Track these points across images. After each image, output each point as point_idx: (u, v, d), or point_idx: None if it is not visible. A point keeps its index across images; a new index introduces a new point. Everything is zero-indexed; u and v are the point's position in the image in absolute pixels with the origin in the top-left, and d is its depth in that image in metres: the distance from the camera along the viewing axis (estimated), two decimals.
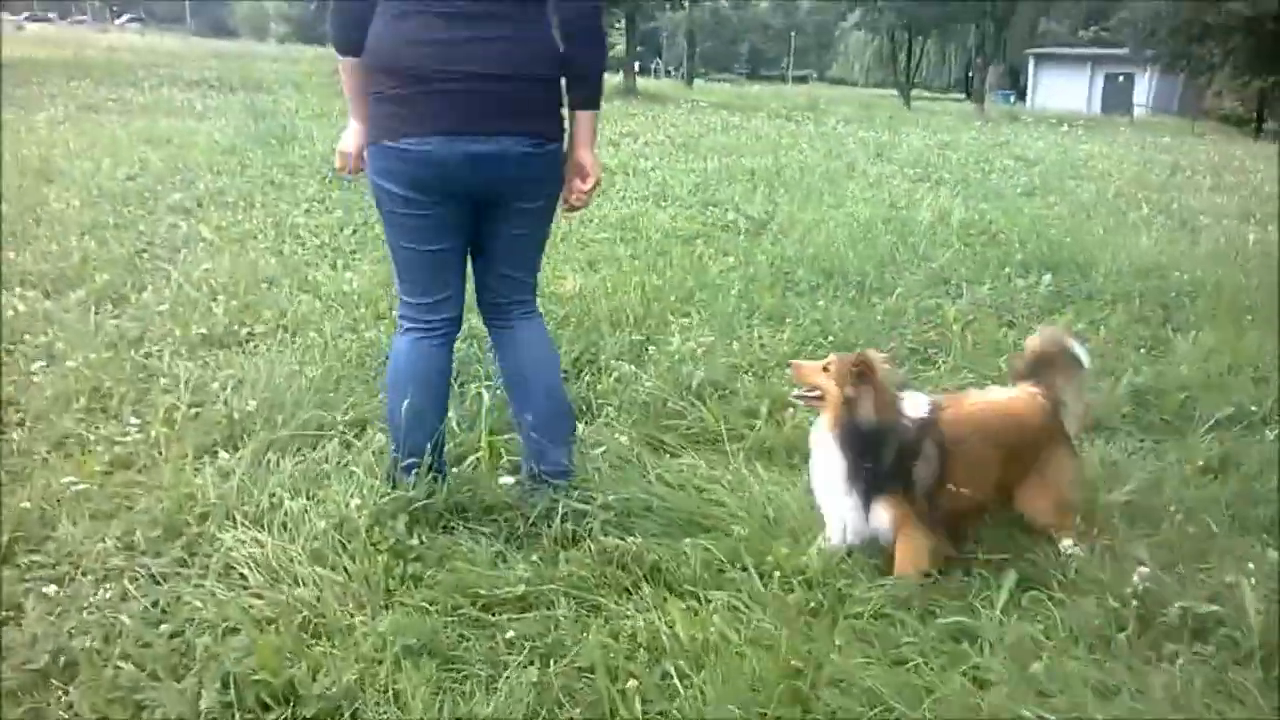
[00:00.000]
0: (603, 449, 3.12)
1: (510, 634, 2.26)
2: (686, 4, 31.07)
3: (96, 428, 3.20)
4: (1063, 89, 44.67)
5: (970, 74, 52.30)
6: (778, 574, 2.49)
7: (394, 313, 3.04)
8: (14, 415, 3.26)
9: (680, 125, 15.24)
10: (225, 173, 8.12)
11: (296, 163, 8.80)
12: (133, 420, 3.23)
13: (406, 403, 2.68)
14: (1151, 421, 3.64)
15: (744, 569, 2.52)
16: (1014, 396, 2.79)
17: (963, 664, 2.19)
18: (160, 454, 2.99)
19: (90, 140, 9.49)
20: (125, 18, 65.62)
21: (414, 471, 2.71)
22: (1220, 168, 13.60)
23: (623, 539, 2.61)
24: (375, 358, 3.77)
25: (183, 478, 2.80)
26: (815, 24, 70.55)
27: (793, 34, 70.80)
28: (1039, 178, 10.95)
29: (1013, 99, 46.85)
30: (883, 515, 2.56)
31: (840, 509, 2.60)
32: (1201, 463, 3.23)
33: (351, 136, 2.72)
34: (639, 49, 63.80)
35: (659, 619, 2.31)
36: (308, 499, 2.73)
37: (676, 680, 2.10)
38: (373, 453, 3.01)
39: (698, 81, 41.01)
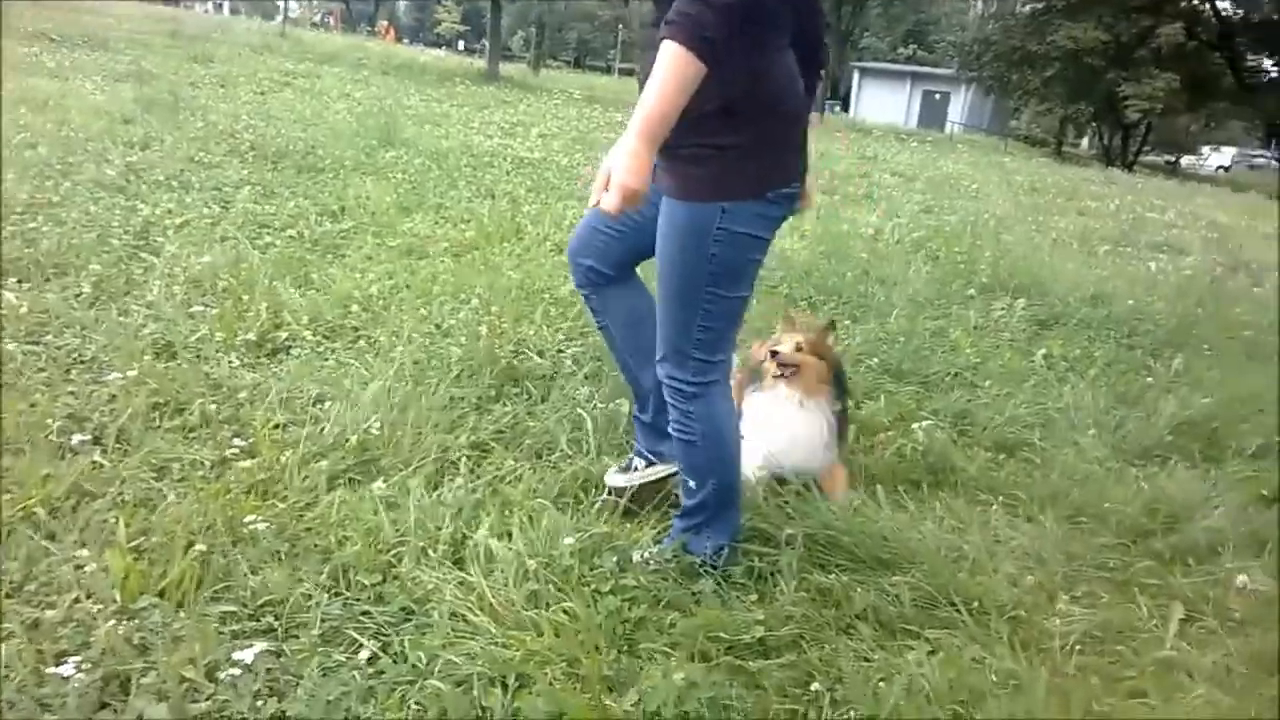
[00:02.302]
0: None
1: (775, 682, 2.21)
2: None
3: (195, 448, 2.91)
4: (883, 103, 46.98)
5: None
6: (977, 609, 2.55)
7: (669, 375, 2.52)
8: (88, 432, 2.91)
9: (563, 117, 15.10)
10: (134, 145, 7.47)
11: (201, 137, 8.20)
12: (236, 441, 2.95)
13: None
14: (1191, 451, 3.90)
15: (953, 605, 2.56)
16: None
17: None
18: (293, 480, 2.75)
19: None
20: None
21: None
22: (1069, 190, 14.66)
23: (824, 577, 2.62)
24: (449, 372, 3.58)
25: (354, 510, 2.58)
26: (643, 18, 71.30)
27: (620, 26, 71.32)
28: (926, 195, 11.50)
29: (837, 109, 48.84)
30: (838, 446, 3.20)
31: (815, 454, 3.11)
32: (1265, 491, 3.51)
33: (643, 167, 2.00)
34: (465, 28, 62.33)
35: (907, 663, 2.32)
36: (492, 534, 2.57)
37: None
38: (536, 479, 2.87)
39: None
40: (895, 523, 2.91)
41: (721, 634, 2.33)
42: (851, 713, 2.13)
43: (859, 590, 2.56)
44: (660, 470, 2.89)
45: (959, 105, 46.43)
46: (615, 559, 2.52)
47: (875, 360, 4.38)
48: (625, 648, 2.28)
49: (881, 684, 2.21)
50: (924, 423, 3.60)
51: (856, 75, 50.95)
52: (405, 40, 53.59)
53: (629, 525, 2.75)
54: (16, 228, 4.76)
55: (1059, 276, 6.79)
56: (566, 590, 2.39)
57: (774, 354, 3.11)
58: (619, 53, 71.28)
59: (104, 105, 9.15)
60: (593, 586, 2.43)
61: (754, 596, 2.51)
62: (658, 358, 2.54)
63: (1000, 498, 3.22)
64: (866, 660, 2.33)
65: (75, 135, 7.50)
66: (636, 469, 2.90)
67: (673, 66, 1.95)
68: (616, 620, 2.33)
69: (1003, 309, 5.69)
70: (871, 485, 3.17)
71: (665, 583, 2.51)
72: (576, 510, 2.79)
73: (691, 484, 2.60)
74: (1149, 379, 4.71)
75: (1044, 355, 4.90)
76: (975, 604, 2.57)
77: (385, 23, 59.38)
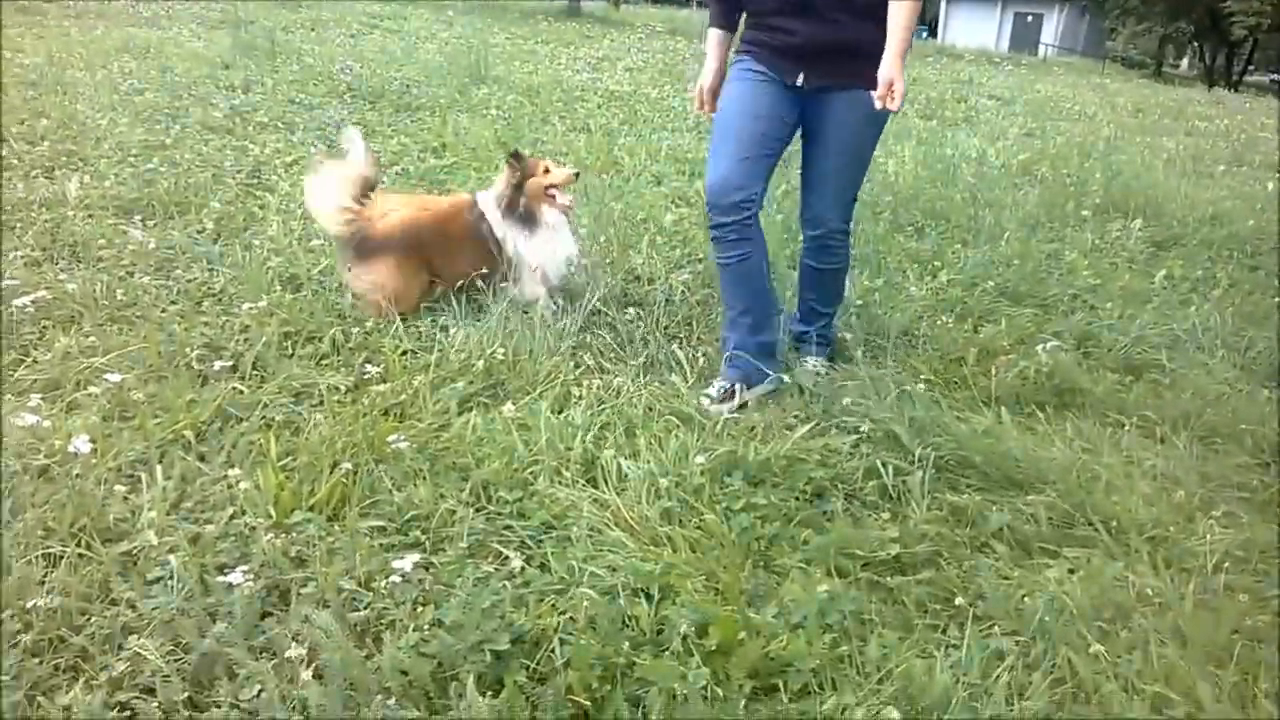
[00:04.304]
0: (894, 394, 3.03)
1: (915, 598, 2.21)
2: None
3: (329, 374, 2.99)
4: (972, 27, 45.28)
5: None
6: (1115, 529, 2.50)
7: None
8: (226, 359, 3.01)
9: (647, 50, 14.91)
10: (235, 89, 7.59)
11: (299, 80, 8.30)
12: (368, 367, 3.02)
13: None
14: None
15: (1090, 525, 2.52)
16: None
17: None
18: (427, 404, 2.81)
19: (61, 47, 8.74)
20: None
21: None
22: (1175, 111, 14.03)
23: (956, 496, 2.59)
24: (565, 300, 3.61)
25: (488, 431, 2.64)
26: None
27: None
28: (1027, 117, 11.11)
29: (925, 34, 47.30)
30: None
31: None
32: None
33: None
34: None
35: (1048, 580, 2.29)
36: (621, 453, 2.60)
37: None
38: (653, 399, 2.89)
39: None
40: (1024, 443, 2.86)
41: (856, 551, 2.33)
42: (996, 628, 2.11)
43: (994, 510, 2.53)
44: (761, 388, 3.14)
45: (1052, 27, 44.56)
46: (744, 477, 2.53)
47: (991, 283, 4.27)
48: (761, 563, 2.30)
49: (1025, 600, 2.19)
50: (1047, 344, 3.51)
51: (944, 0, 49.19)
52: None
53: (755, 444, 2.74)
54: (134, 169, 4.90)
55: (1174, 197, 6.51)
56: (699, 508, 2.41)
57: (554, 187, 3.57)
58: None
59: (202, 51, 9.30)
60: (724, 505, 2.45)
61: (886, 515, 2.50)
62: (833, 217, 3.21)
63: (1132, 419, 3.14)
64: (1005, 578, 2.31)
65: (179, 80, 7.66)
66: (735, 393, 3.08)
67: (914, 12, 2.84)
68: (750, 537, 2.35)
69: (1119, 230, 5.50)
70: (996, 407, 3.12)
71: (795, 501, 2.51)
72: (701, 430, 2.80)
73: (835, 306, 3.47)
74: (1277, 299, 4.52)
75: (1165, 276, 4.72)
76: (1113, 524, 2.53)
77: None
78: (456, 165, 5.84)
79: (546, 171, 3.56)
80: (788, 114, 3.05)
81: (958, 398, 3.25)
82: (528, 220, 3.53)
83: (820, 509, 2.51)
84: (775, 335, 3.22)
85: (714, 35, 3.24)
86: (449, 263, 3.55)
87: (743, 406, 3.05)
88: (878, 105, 2.77)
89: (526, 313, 3.40)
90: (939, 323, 3.82)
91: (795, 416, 2.95)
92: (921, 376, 3.28)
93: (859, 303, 3.91)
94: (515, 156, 3.54)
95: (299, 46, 10.38)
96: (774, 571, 2.28)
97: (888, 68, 2.78)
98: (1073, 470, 2.74)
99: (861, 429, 2.84)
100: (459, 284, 3.55)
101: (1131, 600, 2.24)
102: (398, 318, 3.36)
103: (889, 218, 5.40)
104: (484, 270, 3.52)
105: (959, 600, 2.19)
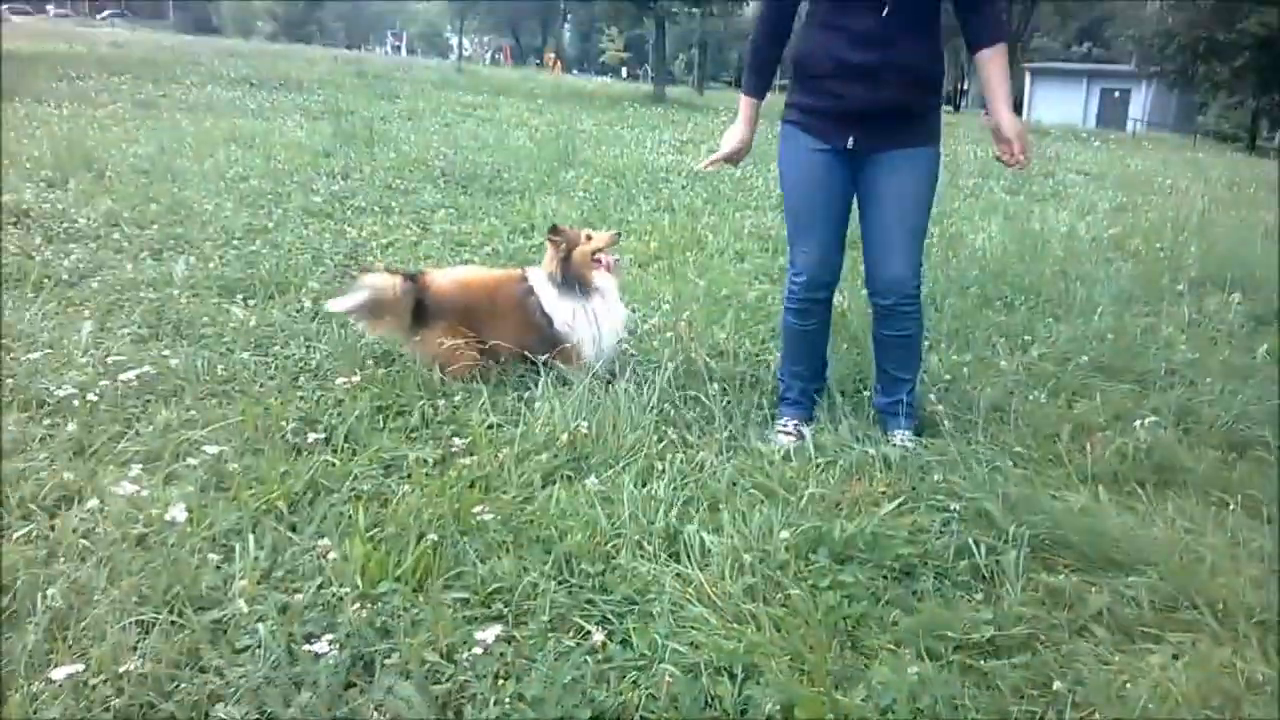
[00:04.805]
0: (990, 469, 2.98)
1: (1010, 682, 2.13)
2: (714, 10, 31.00)
3: (418, 446, 3.04)
4: (1058, 104, 45.00)
5: (964, 86, 52.56)
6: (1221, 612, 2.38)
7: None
8: (319, 432, 3.08)
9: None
10: (335, 175, 7.92)
11: (395, 166, 8.62)
12: (456, 440, 3.07)
13: None
14: None
15: (1194, 608, 2.40)
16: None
17: None
18: (511, 476, 2.83)
19: (172, 138, 9.25)
20: (106, 12, 64.40)
21: None
22: (1270, 184, 13.65)
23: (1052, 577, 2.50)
24: (649, 373, 3.63)
25: (571, 504, 2.65)
26: None
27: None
28: (1118, 193, 10.93)
29: None
30: None
31: None
32: None
33: None
34: (627, 55, 63.75)
35: (1150, 666, 2.19)
36: (704, 528, 2.58)
37: None
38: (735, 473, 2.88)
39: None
40: (1124, 523, 2.76)
41: (948, 632, 2.25)
42: (1096, 715, 2.02)
43: (1092, 591, 2.44)
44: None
45: (1140, 103, 44.00)
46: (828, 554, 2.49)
47: (1084, 358, 4.17)
48: (848, 643, 2.24)
49: (1127, 686, 2.09)
50: (1145, 420, 3.40)
51: (1028, 77, 49.00)
52: (573, 70, 54.94)
53: (840, 519, 2.69)
54: (238, 251, 5.12)
55: (1273, 271, 6.30)
56: (784, 584, 2.37)
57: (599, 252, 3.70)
58: (781, 69, 70.80)
59: (305, 140, 9.76)
60: (810, 582, 2.40)
61: (979, 596, 2.42)
62: (905, 279, 3.16)
63: (1237, 498, 3.00)
64: (1106, 663, 2.22)
65: (282, 168, 8.03)
66: (804, 436, 3.27)
67: (1007, 58, 3.00)
68: (837, 616, 2.29)
69: (1216, 305, 5.34)
70: (1093, 485, 3.02)
71: (884, 580, 2.45)
72: (785, 505, 2.76)
73: (915, 373, 3.36)
74: None
75: (1266, 351, 4.55)
76: (1219, 607, 2.40)
77: (552, 55, 61.01)
78: (545, 245, 5.95)
79: (589, 238, 3.71)
80: (847, 181, 3.15)
81: (1052, 475, 3.15)
82: (580, 289, 3.62)
83: (910, 588, 2.45)
84: (824, 383, 3.50)
85: (748, 103, 3.29)
86: (494, 332, 3.64)
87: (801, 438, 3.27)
88: (1008, 165, 3.05)
89: (610, 384, 3.43)
90: (1030, 398, 3.73)
91: (882, 492, 2.89)
92: (1013, 453, 3.20)
93: (947, 377, 3.85)
94: (555, 231, 3.73)
95: (396, 135, 10.81)
96: (862, 652, 2.22)
97: (1010, 124, 2.98)
98: (1175, 551, 2.62)
99: (952, 506, 2.77)
100: (504, 358, 3.66)
101: (1240, 688, 2.13)
102: (477, 381, 3.47)
103: (976, 292, 5.34)
104: (528, 345, 3.63)
105: (1057, 685, 2.10)
